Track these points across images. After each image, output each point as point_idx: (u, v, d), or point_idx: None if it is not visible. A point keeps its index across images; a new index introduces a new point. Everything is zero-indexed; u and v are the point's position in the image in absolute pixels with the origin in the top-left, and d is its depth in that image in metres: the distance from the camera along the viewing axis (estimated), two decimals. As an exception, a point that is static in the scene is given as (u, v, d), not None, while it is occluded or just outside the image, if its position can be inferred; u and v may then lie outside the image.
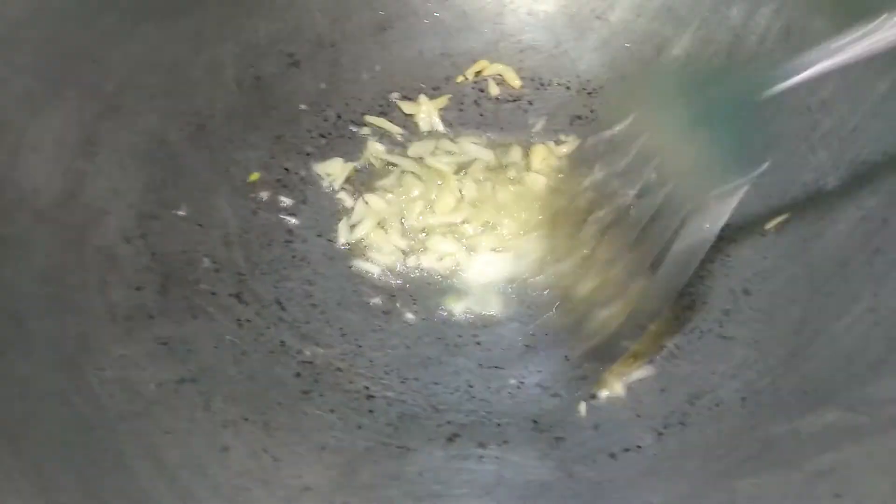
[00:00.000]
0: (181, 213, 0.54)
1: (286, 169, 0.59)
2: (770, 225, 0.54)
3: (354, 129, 0.62)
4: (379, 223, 0.57)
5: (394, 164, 0.60)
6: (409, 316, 0.53)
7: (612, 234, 0.45)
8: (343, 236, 0.56)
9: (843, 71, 0.54)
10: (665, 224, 0.41)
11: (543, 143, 0.61)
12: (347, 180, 0.59)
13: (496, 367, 0.50)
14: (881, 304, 0.46)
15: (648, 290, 0.42)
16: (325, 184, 0.59)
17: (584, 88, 0.64)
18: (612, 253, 0.44)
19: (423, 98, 0.63)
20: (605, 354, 0.46)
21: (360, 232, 0.56)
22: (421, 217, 0.57)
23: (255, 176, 0.58)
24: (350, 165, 0.59)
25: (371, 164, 0.60)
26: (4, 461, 0.37)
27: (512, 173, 0.59)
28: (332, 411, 0.47)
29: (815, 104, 0.56)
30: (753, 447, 0.42)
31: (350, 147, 0.61)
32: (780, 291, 0.51)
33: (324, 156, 0.60)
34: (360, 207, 0.57)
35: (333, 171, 0.59)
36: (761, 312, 0.50)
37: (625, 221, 0.44)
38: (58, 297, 0.45)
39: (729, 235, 0.55)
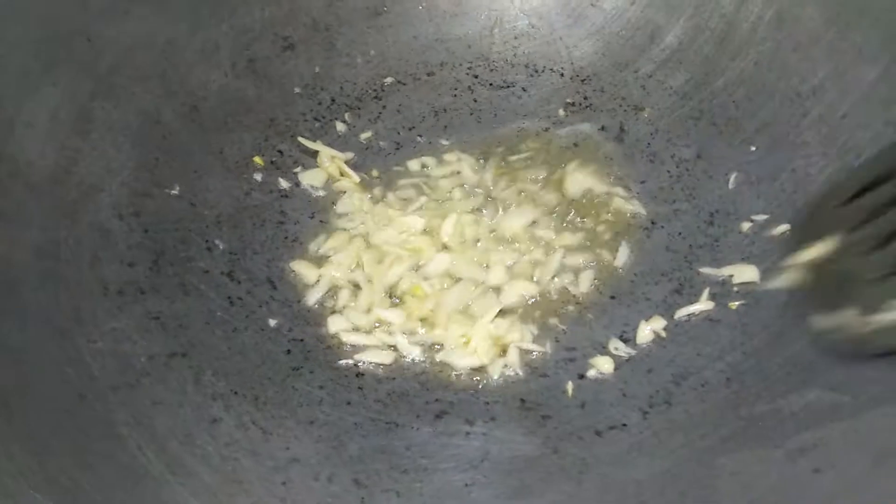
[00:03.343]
0: (174, 192, 0.54)
1: (280, 151, 0.60)
2: (756, 218, 0.54)
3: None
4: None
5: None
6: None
7: None
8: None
9: (835, 59, 0.56)
10: None
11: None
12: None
13: (485, 347, 0.51)
14: (866, 288, 0.47)
15: None
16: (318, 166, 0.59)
17: (577, 75, 0.65)
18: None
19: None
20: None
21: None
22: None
23: (259, 160, 0.58)
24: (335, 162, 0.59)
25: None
26: (-3, 426, 0.38)
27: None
28: (321, 388, 0.47)
29: (806, 91, 0.56)
30: (737, 425, 0.43)
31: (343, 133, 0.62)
32: (766, 276, 0.51)
33: (316, 139, 0.61)
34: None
35: (315, 180, 0.59)
36: (748, 296, 0.51)
37: None
38: (52, 271, 0.46)
39: (717, 222, 0.55)
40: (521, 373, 0.49)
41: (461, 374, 0.49)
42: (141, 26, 0.56)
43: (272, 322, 0.50)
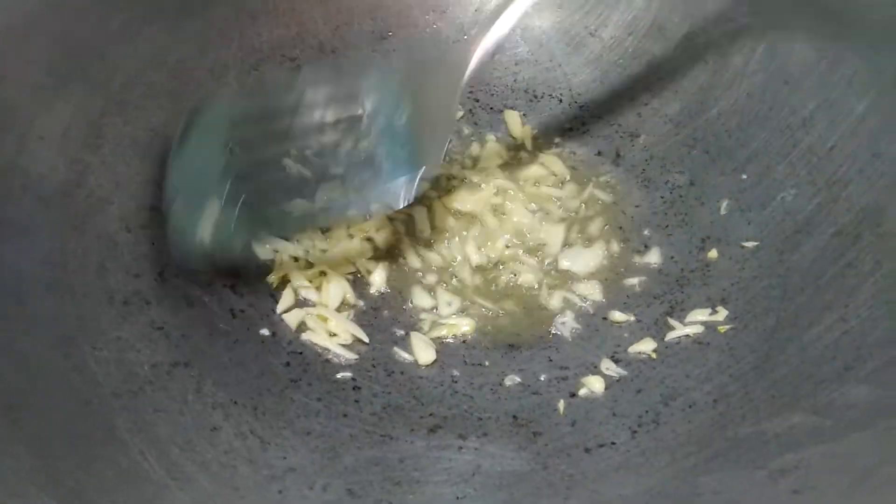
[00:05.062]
0: (181, 206, 0.55)
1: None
2: (747, 245, 0.56)
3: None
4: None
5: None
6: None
7: None
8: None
9: (824, 91, 0.57)
10: None
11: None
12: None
13: (480, 364, 0.52)
14: (851, 315, 0.48)
15: None
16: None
17: (575, 101, 0.67)
18: None
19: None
20: None
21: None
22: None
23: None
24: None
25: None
26: (2, 430, 0.39)
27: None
28: (318, 399, 0.48)
29: (796, 123, 0.58)
30: (721, 446, 0.44)
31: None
32: (755, 301, 0.53)
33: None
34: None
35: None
36: (737, 320, 0.52)
37: None
38: (58, 280, 0.47)
39: (708, 247, 0.57)
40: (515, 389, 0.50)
41: (456, 389, 0.50)
42: (152, 46, 0.57)
43: (272, 335, 0.52)
